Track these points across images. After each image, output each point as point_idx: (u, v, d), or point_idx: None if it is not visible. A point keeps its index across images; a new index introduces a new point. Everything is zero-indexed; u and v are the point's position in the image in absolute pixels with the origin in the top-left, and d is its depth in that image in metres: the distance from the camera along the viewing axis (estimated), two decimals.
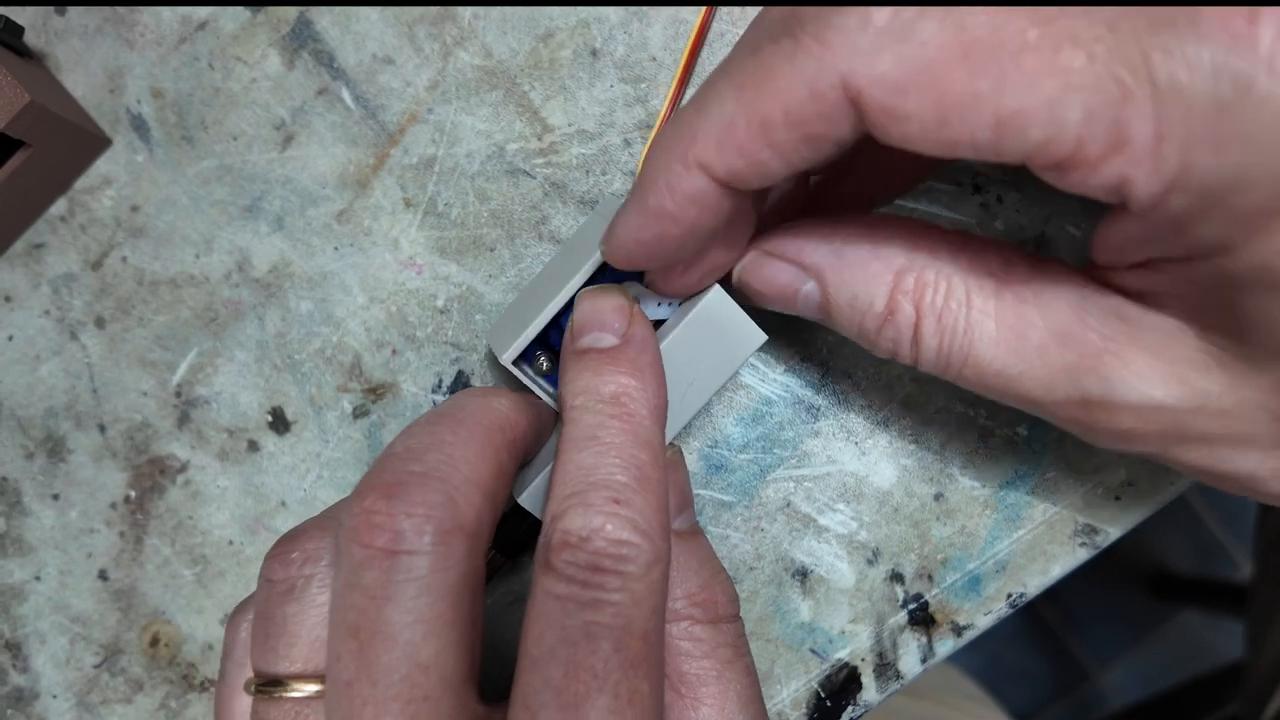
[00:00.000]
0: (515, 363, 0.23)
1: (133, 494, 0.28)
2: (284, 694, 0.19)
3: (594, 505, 0.18)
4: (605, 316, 0.21)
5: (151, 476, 0.28)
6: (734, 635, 0.22)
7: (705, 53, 0.26)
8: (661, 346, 0.22)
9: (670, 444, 0.23)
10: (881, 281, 0.20)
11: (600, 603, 0.17)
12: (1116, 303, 0.18)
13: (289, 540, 0.20)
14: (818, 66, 0.15)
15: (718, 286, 0.22)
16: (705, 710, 0.21)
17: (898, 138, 0.16)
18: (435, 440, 0.19)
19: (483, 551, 0.19)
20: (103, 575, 0.28)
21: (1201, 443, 0.18)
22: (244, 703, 0.20)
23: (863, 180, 0.23)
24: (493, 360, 0.27)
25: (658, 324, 0.23)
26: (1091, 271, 0.18)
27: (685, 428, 0.24)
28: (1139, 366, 0.17)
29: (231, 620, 0.21)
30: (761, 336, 0.22)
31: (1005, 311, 0.18)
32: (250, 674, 0.20)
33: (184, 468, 0.28)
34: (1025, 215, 0.25)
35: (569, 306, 0.23)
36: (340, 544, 0.18)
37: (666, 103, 0.25)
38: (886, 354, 0.20)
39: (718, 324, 0.22)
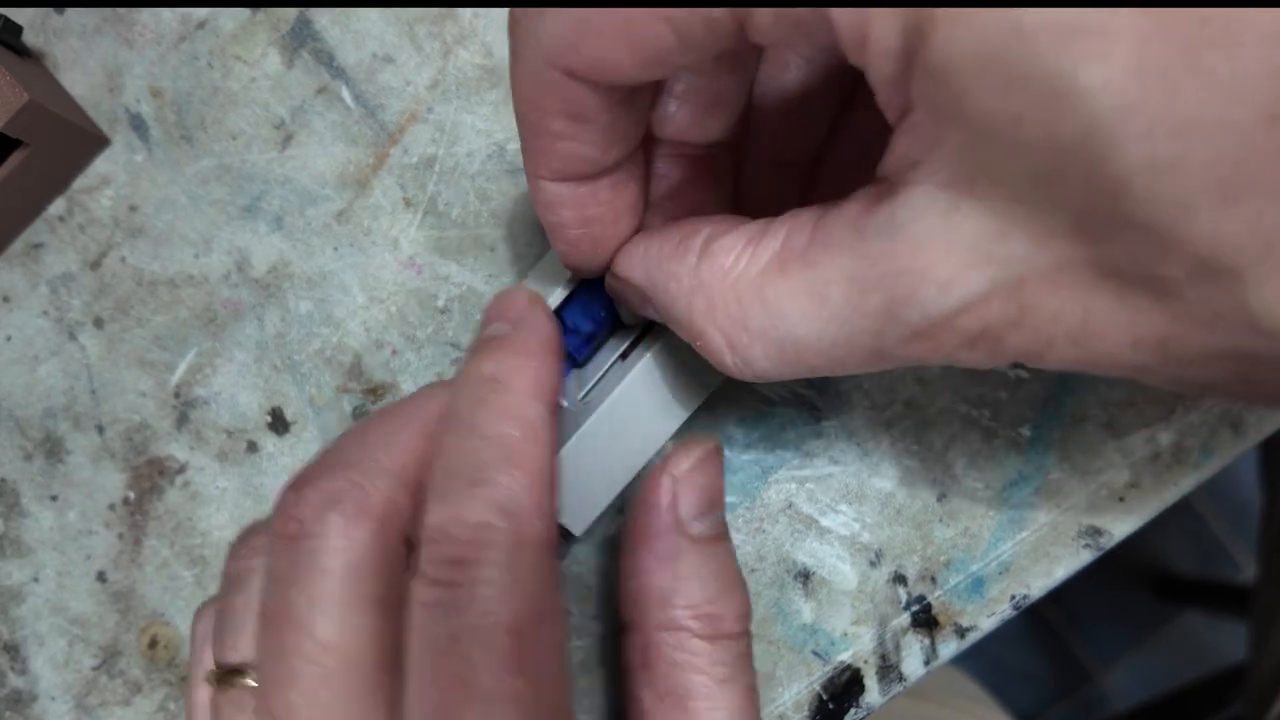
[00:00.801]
0: None
1: (131, 495, 0.28)
2: (234, 683, 0.19)
3: (452, 492, 0.17)
4: (503, 309, 0.21)
5: (150, 477, 0.28)
6: (735, 654, 0.21)
7: None
8: (628, 378, 0.22)
9: (708, 436, 0.22)
10: (681, 306, 0.18)
11: (462, 603, 0.17)
12: (889, 214, 0.15)
13: (244, 535, 0.20)
14: (527, 64, 0.17)
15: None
16: None
17: (619, 76, 0.16)
18: (359, 434, 0.20)
19: (397, 537, 0.18)
20: (101, 577, 0.28)
21: (1064, 338, 0.15)
22: (205, 693, 0.20)
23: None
24: None
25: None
26: (876, 187, 0.16)
27: (686, 428, 0.24)
28: (939, 270, 0.15)
29: (196, 614, 0.21)
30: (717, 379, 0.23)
31: (800, 284, 0.17)
32: (210, 665, 0.20)
33: (183, 469, 0.28)
34: None
35: (568, 303, 0.23)
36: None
37: None
38: (736, 376, 0.18)
39: (671, 365, 0.23)
